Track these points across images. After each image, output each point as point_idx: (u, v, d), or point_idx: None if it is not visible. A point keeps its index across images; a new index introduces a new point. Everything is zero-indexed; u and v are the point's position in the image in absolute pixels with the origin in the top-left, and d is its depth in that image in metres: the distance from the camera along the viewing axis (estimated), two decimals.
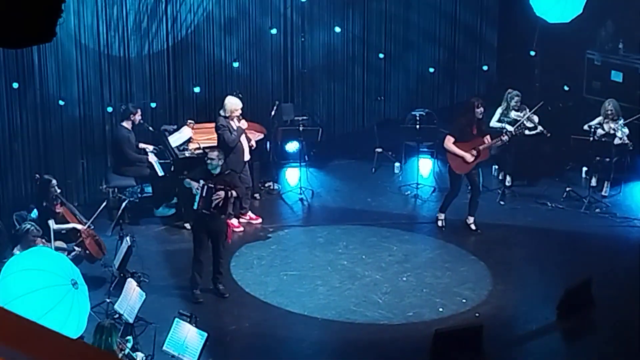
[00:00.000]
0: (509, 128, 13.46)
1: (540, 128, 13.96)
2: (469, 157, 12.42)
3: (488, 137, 12.55)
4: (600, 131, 13.57)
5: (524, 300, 11.14)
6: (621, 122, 13.65)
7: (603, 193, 13.80)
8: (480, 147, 12.44)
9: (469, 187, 12.78)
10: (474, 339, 9.82)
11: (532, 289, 11.38)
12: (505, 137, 12.64)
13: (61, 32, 12.16)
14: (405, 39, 16.10)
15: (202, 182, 10.88)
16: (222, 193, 10.84)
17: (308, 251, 12.24)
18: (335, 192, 14.15)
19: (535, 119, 14.05)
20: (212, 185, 10.83)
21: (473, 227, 12.71)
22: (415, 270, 11.70)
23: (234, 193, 11.01)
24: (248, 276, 11.55)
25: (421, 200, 13.83)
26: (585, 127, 13.68)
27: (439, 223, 12.83)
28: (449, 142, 12.49)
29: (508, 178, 14.07)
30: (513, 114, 14.03)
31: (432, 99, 16.26)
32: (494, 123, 14.03)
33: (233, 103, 12.53)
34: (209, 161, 11.06)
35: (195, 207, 10.92)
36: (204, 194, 10.84)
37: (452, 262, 11.96)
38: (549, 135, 13.84)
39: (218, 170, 11.03)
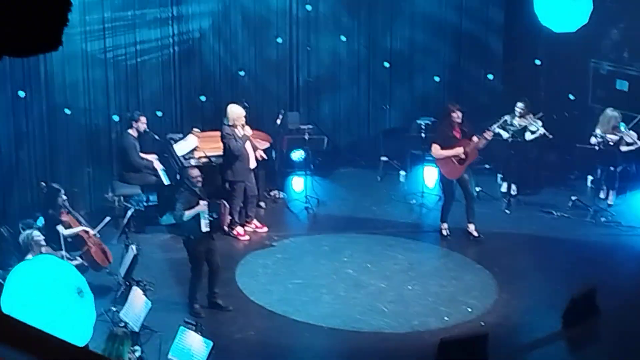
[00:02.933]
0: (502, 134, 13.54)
1: (542, 130, 13.91)
2: (460, 153, 12.42)
3: (475, 137, 12.55)
4: (609, 137, 13.54)
5: (530, 309, 11.12)
6: (623, 126, 13.63)
7: (609, 202, 13.79)
8: (468, 149, 12.47)
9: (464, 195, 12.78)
10: (480, 348, 9.80)
11: (537, 298, 11.35)
12: (489, 134, 12.60)
13: (67, 41, 12.17)
14: (410, 48, 16.10)
15: (205, 202, 10.63)
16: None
17: (313, 260, 12.23)
18: (340, 200, 14.16)
19: (539, 122, 14.03)
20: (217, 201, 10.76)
21: (475, 233, 12.71)
22: (420, 279, 11.69)
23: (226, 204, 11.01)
24: (253, 285, 11.54)
25: (426, 208, 13.83)
26: (593, 140, 13.60)
27: (444, 232, 12.83)
28: (436, 150, 12.56)
29: (513, 187, 14.07)
30: (516, 121, 14.05)
31: (437, 108, 16.23)
32: (496, 129, 14.06)
33: (235, 112, 12.54)
34: (195, 182, 10.73)
35: (208, 228, 10.67)
36: (222, 211, 10.73)
37: (457, 271, 11.95)
38: (550, 137, 13.79)
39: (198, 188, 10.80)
